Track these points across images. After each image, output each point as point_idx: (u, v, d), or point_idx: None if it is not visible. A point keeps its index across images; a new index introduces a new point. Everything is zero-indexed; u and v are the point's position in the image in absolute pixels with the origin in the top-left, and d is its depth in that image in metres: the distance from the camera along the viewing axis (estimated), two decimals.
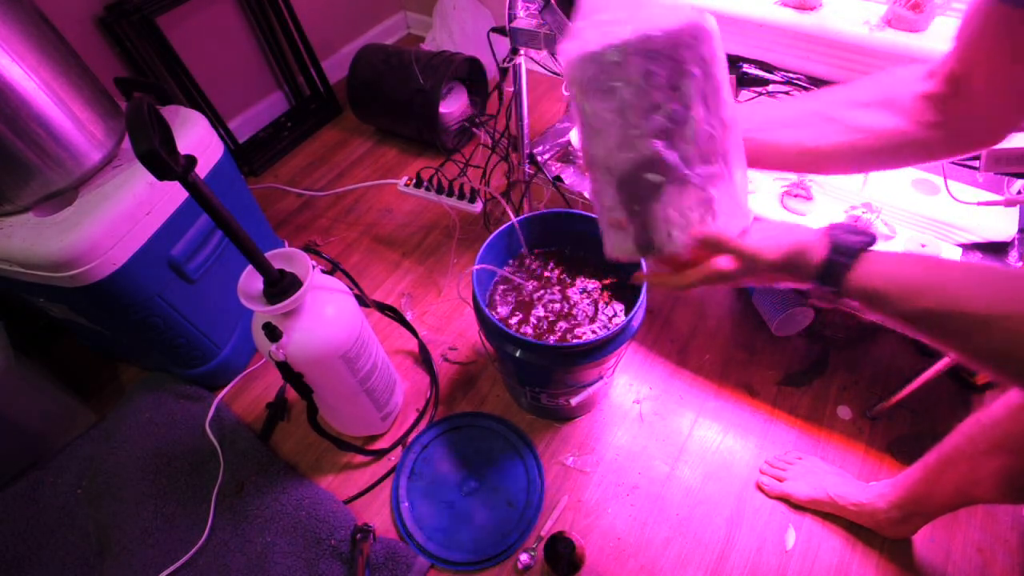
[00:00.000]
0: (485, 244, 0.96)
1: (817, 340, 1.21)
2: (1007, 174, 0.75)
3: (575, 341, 0.93)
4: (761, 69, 0.85)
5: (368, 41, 1.97)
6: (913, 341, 1.16)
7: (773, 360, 1.19)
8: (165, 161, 0.57)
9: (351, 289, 0.94)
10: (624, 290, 1.00)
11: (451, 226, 1.51)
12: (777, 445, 1.08)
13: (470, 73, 1.72)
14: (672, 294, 1.24)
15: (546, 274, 1.04)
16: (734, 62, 0.86)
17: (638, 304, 0.86)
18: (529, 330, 0.96)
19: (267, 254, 0.76)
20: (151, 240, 0.98)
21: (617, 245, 0.53)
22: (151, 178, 0.92)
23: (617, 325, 0.86)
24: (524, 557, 0.97)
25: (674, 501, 1.03)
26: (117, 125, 0.99)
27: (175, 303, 1.06)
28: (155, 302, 1.02)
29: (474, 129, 1.71)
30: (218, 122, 1.63)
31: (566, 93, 0.52)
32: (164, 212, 0.99)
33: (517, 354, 0.87)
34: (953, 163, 0.78)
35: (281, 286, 0.76)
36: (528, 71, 1.11)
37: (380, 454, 1.12)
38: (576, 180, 1.20)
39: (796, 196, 1.03)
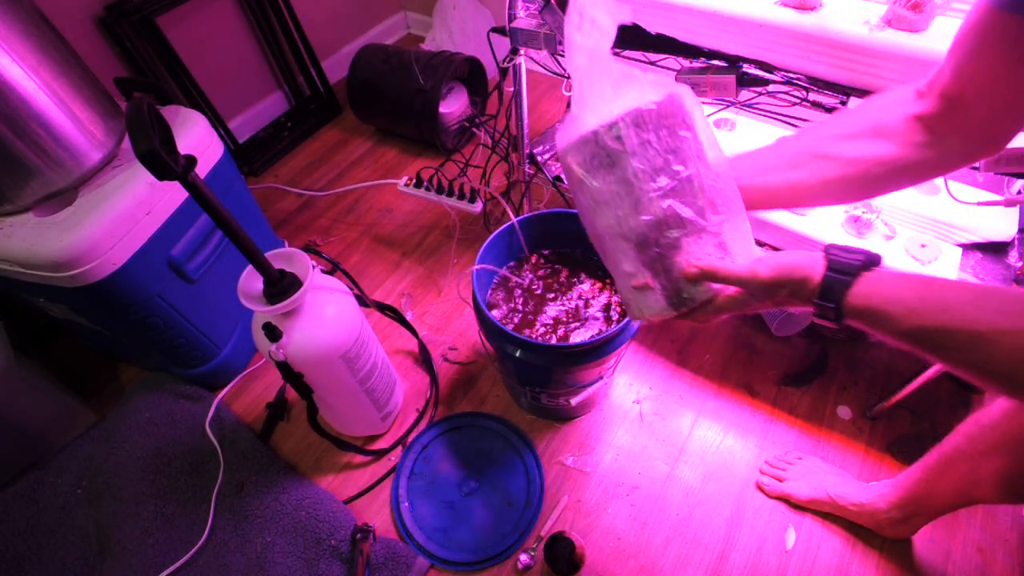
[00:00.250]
0: (485, 244, 0.96)
1: (817, 340, 1.21)
2: (1007, 174, 0.75)
3: (575, 341, 0.93)
4: (761, 69, 0.85)
5: (368, 41, 1.97)
6: None
7: (773, 360, 1.19)
8: (165, 161, 0.57)
9: (351, 289, 0.94)
10: None
11: (451, 226, 1.51)
12: (777, 445, 1.08)
13: (470, 73, 1.72)
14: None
15: (546, 274, 1.04)
16: (734, 62, 0.86)
17: None
18: (529, 330, 0.96)
19: (267, 254, 0.76)
20: (151, 240, 0.98)
21: (647, 307, 0.54)
22: (151, 178, 0.92)
23: (617, 325, 0.86)
24: (524, 557, 0.97)
25: (674, 501, 1.03)
26: (117, 125, 0.99)
27: (175, 303, 1.06)
28: (155, 302, 1.02)
29: (474, 129, 1.71)
30: (218, 122, 1.63)
31: (565, 180, 0.55)
32: (164, 212, 0.99)
33: (517, 354, 0.87)
34: None
35: (281, 286, 0.76)
36: (528, 71, 1.11)
37: (380, 454, 1.12)
38: None
39: None
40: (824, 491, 0.96)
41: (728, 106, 0.96)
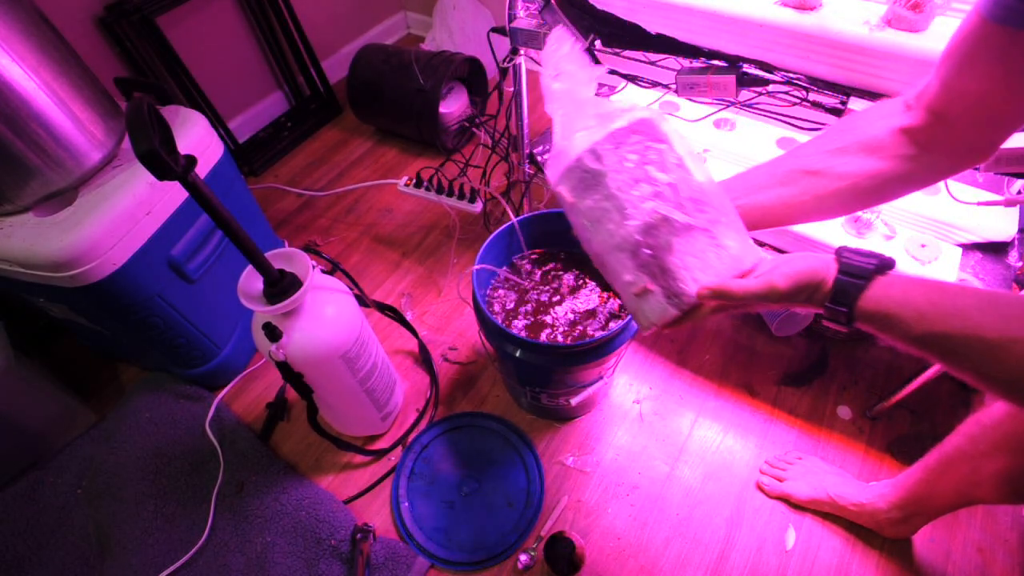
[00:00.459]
0: (485, 244, 0.96)
1: (817, 340, 1.21)
2: (1007, 174, 0.75)
3: (575, 341, 0.93)
4: (761, 69, 0.85)
5: (368, 41, 1.97)
6: None
7: (773, 360, 1.19)
8: (165, 161, 0.57)
9: (351, 289, 0.94)
10: None
11: (451, 226, 1.51)
12: (777, 445, 1.08)
13: (470, 73, 1.72)
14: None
15: (546, 274, 1.04)
16: (734, 62, 0.86)
17: None
18: (529, 330, 0.96)
19: (267, 254, 0.76)
20: (151, 240, 0.98)
21: (651, 311, 0.55)
22: (151, 178, 0.92)
23: (617, 325, 0.86)
24: (524, 557, 0.97)
25: (674, 501, 1.03)
26: (117, 125, 0.99)
27: (175, 303, 1.06)
28: (155, 302, 1.02)
29: (474, 129, 1.71)
30: (218, 122, 1.63)
31: (564, 212, 0.60)
32: (164, 212, 0.99)
33: (517, 354, 0.87)
34: None
35: (281, 286, 0.76)
36: (528, 71, 1.11)
37: (380, 454, 1.12)
38: None
39: None
40: (824, 491, 0.96)
41: (728, 106, 0.96)
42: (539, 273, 1.04)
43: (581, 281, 1.02)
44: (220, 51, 1.65)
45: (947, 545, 0.95)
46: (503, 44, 1.06)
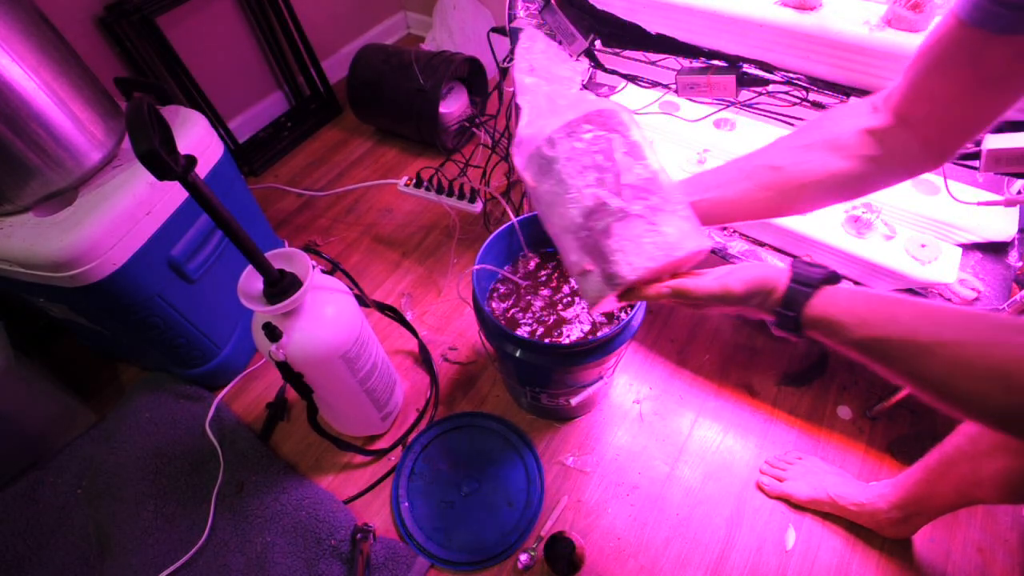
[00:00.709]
0: (485, 244, 0.96)
1: (811, 342, 1.21)
2: (1007, 174, 0.75)
3: (575, 341, 0.93)
4: (761, 69, 0.85)
5: (368, 41, 1.97)
6: None
7: (773, 360, 1.20)
8: (165, 161, 0.57)
9: (351, 289, 0.94)
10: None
11: (451, 226, 1.51)
12: (777, 445, 1.08)
13: (470, 73, 1.72)
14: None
15: (546, 274, 1.04)
16: (734, 62, 0.86)
17: (638, 304, 0.86)
18: (529, 330, 0.96)
19: (267, 254, 0.76)
20: (151, 240, 0.98)
21: (592, 290, 0.58)
22: (151, 178, 0.92)
23: (617, 325, 0.86)
24: (524, 557, 0.97)
25: (674, 501, 1.03)
26: (117, 125, 0.99)
27: (175, 303, 1.06)
28: (155, 302, 1.02)
29: (474, 129, 1.71)
30: (218, 122, 1.63)
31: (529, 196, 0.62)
32: (164, 212, 0.99)
33: (517, 354, 0.87)
34: (953, 163, 0.78)
35: (281, 286, 0.76)
36: None
37: (380, 454, 1.12)
38: None
39: None
40: (824, 491, 0.96)
41: (728, 106, 0.96)
42: (539, 273, 1.04)
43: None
44: (220, 51, 1.65)
45: (947, 545, 0.95)
46: (503, 44, 1.06)
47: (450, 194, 1.33)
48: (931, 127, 0.50)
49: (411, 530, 1.01)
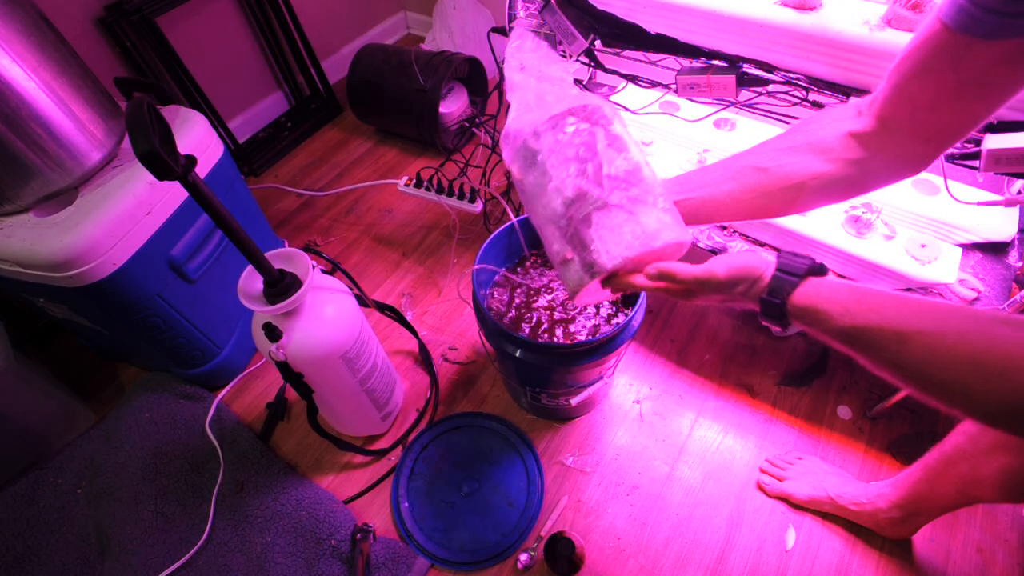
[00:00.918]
0: (485, 244, 0.96)
1: (817, 340, 1.21)
2: (1007, 174, 0.75)
3: (575, 341, 0.93)
4: (761, 69, 0.85)
5: (368, 41, 1.97)
6: None
7: (773, 360, 1.20)
8: (165, 161, 0.57)
9: (351, 289, 0.94)
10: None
11: (451, 226, 1.51)
12: (777, 445, 1.08)
13: (470, 73, 1.72)
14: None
15: (546, 274, 1.04)
16: (734, 62, 0.86)
17: (638, 304, 0.87)
18: (529, 330, 0.96)
19: (267, 254, 0.76)
20: (151, 240, 0.98)
21: (571, 278, 0.59)
22: (151, 178, 0.93)
23: (617, 325, 0.86)
24: (524, 557, 0.97)
25: (674, 501, 1.03)
26: (117, 125, 0.99)
27: (175, 303, 1.06)
28: (155, 302, 1.02)
29: (474, 129, 1.71)
30: (218, 122, 1.63)
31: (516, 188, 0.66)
32: (164, 212, 0.99)
33: (517, 354, 0.87)
34: (953, 163, 0.78)
35: (281, 286, 0.76)
36: None
37: (380, 454, 1.12)
38: None
39: None
40: (824, 491, 0.96)
41: (728, 106, 0.96)
42: (539, 273, 1.04)
43: None
44: (220, 51, 1.65)
45: (947, 545, 0.95)
46: (503, 44, 1.06)
47: (450, 194, 1.33)
48: (913, 131, 0.51)
49: (411, 530, 1.01)
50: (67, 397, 1.19)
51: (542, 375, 0.94)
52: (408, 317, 1.30)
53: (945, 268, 0.90)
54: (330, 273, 1.23)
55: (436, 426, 1.14)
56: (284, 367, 0.81)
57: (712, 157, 1.13)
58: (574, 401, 0.98)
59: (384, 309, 1.19)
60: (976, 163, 0.72)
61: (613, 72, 1.04)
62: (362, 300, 0.98)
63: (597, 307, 0.99)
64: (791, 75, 0.83)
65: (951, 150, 0.71)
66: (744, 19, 0.82)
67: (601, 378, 0.99)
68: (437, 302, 1.37)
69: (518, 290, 1.02)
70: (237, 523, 1.04)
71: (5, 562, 1.03)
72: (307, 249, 0.90)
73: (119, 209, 0.92)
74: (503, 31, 1.04)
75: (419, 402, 1.19)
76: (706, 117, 1.09)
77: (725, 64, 0.87)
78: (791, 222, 1.00)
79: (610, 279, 0.58)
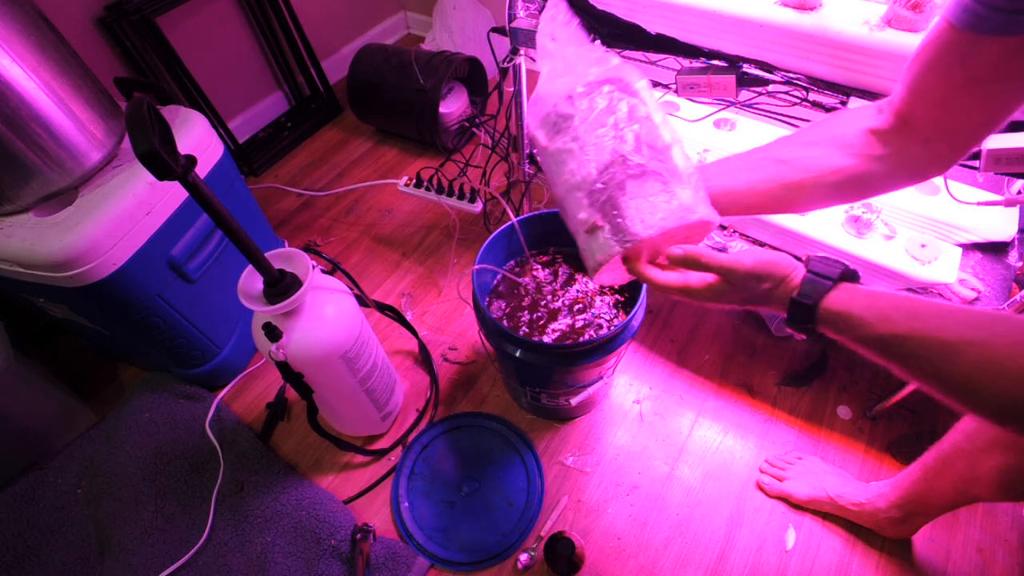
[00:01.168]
0: (485, 244, 0.96)
1: (817, 340, 1.21)
2: (1007, 174, 0.75)
3: (575, 341, 0.93)
4: (761, 69, 0.84)
5: (368, 41, 1.97)
6: None
7: (773, 360, 1.20)
8: (165, 161, 0.57)
9: (351, 289, 0.94)
10: (624, 290, 1.00)
11: (451, 226, 1.51)
12: (777, 445, 1.08)
13: (470, 73, 1.72)
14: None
15: (546, 273, 1.04)
16: (734, 62, 0.86)
17: (638, 304, 0.87)
18: (529, 330, 0.96)
19: (267, 254, 0.76)
20: (151, 240, 0.98)
21: (597, 247, 0.57)
22: (151, 178, 0.93)
23: (617, 325, 0.86)
24: (524, 557, 0.97)
25: (674, 501, 1.03)
26: (117, 125, 0.99)
27: (175, 303, 1.06)
28: (155, 302, 1.02)
29: (474, 129, 1.71)
30: (218, 122, 1.63)
31: (537, 156, 0.64)
32: (164, 212, 0.99)
33: (517, 354, 0.87)
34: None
35: (281, 286, 0.76)
36: (528, 71, 1.11)
37: (380, 454, 1.12)
38: None
39: None
40: (824, 491, 0.96)
41: (728, 106, 0.96)
42: (539, 273, 1.04)
43: (581, 281, 1.02)
44: (220, 51, 1.65)
45: (947, 545, 0.95)
46: (503, 44, 1.06)
47: (450, 194, 1.33)
48: (930, 129, 0.50)
49: (411, 530, 1.01)
50: (67, 397, 1.19)
51: (542, 375, 0.94)
52: (408, 317, 1.30)
53: (945, 268, 0.90)
54: (330, 273, 1.23)
55: (436, 426, 1.14)
56: (284, 367, 0.81)
57: (712, 157, 1.13)
58: (574, 401, 0.98)
59: (384, 309, 1.19)
60: (976, 163, 0.72)
61: None
62: (362, 300, 0.98)
63: (595, 308, 0.98)
64: (791, 75, 0.83)
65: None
66: (744, 19, 0.82)
67: (601, 378, 0.99)
68: (437, 302, 1.37)
69: (518, 290, 1.01)
70: (237, 523, 1.04)
71: (5, 562, 1.03)
72: (307, 249, 0.90)
73: (119, 209, 0.92)
74: (503, 31, 1.04)
75: (419, 402, 1.19)
76: (706, 117, 1.09)
77: (725, 64, 0.87)
78: (791, 222, 1.00)
79: (630, 261, 0.57)
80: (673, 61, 0.92)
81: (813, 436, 1.09)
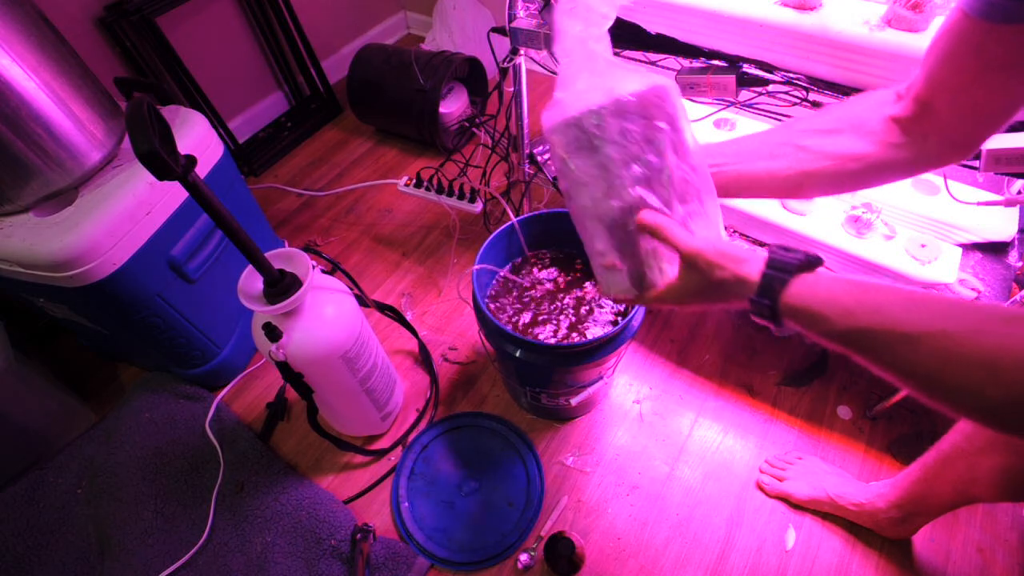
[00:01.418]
0: (485, 244, 0.96)
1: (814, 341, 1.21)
2: (1007, 174, 0.75)
3: (575, 341, 0.93)
4: (761, 69, 0.85)
5: (368, 41, 1.97)
6: None
7: (773, 360, 1.19)
8: (165, 161, 0.57)
9: (351, 289, 0.94)
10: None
11: (451, 226, 1.51)
12: (777, 445, 1.08)
13: (470, 73, 1.72)
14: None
15: (546, 274, 1.04)
16: (734, 62, 0.86)
17: (637, 305, 0.86)
18: (529, 330, 0.96)
19: (267, 254, 0.76)
20: (151, 240, 0.98)
21: (614, 285, 0.57)
22: (151, 178, 0.93)
23: (617, 325, 0.86)
24: (524, 557, 0.97)
25: (674, 501, 1.03)
26: (117, 125, 0.99)
27: (175, 303, 1.06)
28: (155, 302, 1.02)
29: (474, 129, 1.71)
30: (218, 122, 1.63)
31: (551, 156, 0.57)
32: (164, 212, 0.99)
33: (517, 354, 0.87)
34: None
35: (281, 286, 0.76)
36: (528, 71, 1.11)
37: (380, 454, 1.12)
38: None
39: None
40: (824, 491, 0.96)
41: (728, 106, 0.96)
42: (539, 273, 1.04)
43: (581, 281, 1.02)
44: (220, 51, 1.65)
45: (947, 545, 0.95)
46: (503, 44, 1.06)
47: (450, 194, 1.33)
48: (950, 116, 0.50)
49: (411, 530, 1.01)
50: (67, 397, 1.19)
51: (542, 375, 0.94)
52: (408, 317, 1.30)
53: (945, 268, 0.90)
54: (330, 273, 1.23)
55: (436, 426, 1.14)
56: (284, 367, 0.81)
57: None
58: (574, 401, 0.98)
59: (384, 309, 1.19)
60: (976, 163, 0.72)
61: None
62: (362, 300, 0.98)
63: (595, 308, 0.98)
64: (791, 75, 0.83)
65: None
66: (744, 19, 0.82)
67: (601, 378, 0.99)
68: (437, 302, 1.37)
69: (518, 290, 1.01)
70: (237, 523, 1.04)
71: (5, 562, 1.03)
72: (307, 249, 0.90)
73: (119, 209, 0.92)
74: (503, 31, 1.04)
75: (419, 402, 1.19)
76: (706, 117, 1.09)
77: (725, 64, 0.87)
78: (791, 222, 1.00)
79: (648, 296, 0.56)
80: (673, 61, 0.92)
81: (813, 436, 1.09)
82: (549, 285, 1.02)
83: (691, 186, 0.53)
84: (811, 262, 0.46)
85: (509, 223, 0.98)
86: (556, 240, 1.05)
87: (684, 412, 1.14)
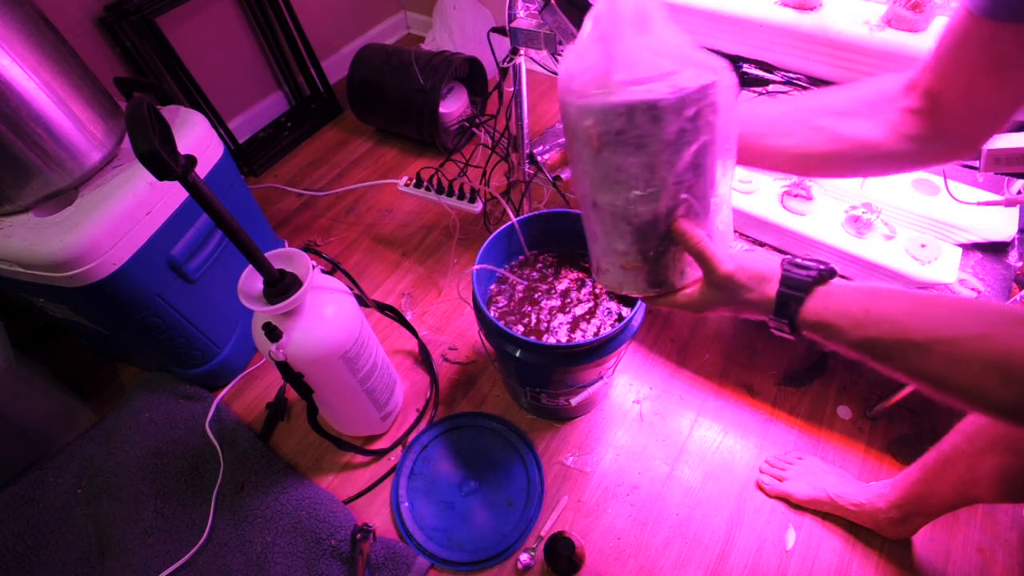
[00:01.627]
0: (485, 244, 0.96)
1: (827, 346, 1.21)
2: (1007, 174, 0.75)
3: (575, 341, 0.93)
4: (761, 69, 0.85)
5: (368, 41, 1.97)
6: None
7: (773, 360, 1.19)
8: (165, 161, 0.57)
9: (351, 289, 0.94)
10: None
11: (451, 226, 1.51)
12: (777, 445, 1.08)
13: (470, 73, 1.72)
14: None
15: (546, 274, 1.04)
16: (734, 62, 0.86)
17: (638, 304, 0.87)
18: (529, 330, 0.96)
19: (267, 254, 0.76)
20: (151, 240, 0.98)
21: (628, 284, 0.55)
22: (151, 178, 0.93)
23: (617, 325, 0.86)
24: (524, 557, 0.97)
25: (674, 501, 1.03)
26: (117, 125, 0.99)
27: (175, 303, 1.06)
28: (155, 302, 1.02)
29: (474, 129, 1.71)
30: (218, 122, 1.63)
31: (564, 126, 0.51)
32: (164, 212, 0.99)
33: (517, 354, 0.87)
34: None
35: (281, 286, 0.76)
36: (528, 71, 1.11)
37: (380, 454, 1.12)
38: None
39: (796, 196, 1.03)
40: (824, 491, 0.96)
41: None
42: (539, 273, 1.04)
43: (581, 281, 1.02)
44: (220, 51, 1.65)
45: (947, 545, 0.95)
46: (503, 44, 1.06)
47: (450, 194, 1.33)
48: (959, 110, 0.50)
49: (411, 530, 1.01)
50: (67, 397, 1.19)
51: (542, 375, 0.94)
52: (408, 317, 1.30)
53: (945, 268, 0.90)
54: (330, 273, 1.23)
55: (436, 426, 1.14)
56: (284, 367, 0.81)
57: None
58: (574, 401, 0.98)
59: (384, 309, 1.19)
60: (976, 163, 0.72)
61: None
62: (362, 300, 0.98)
63: (595, 308, 0.98)
64: (791, 75, 0.83)
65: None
66: (744, 19, 0.82)
67: (601, 378, 0.99)
68: (437, 302, 1.37)
69: (518, 290, 1.01)
70: (237, 523, 1.04)
71: (5, 562, 1.03)
72: (307, 249, 0.90)
73: (119, 209, 0.92)
74: (503, 31, 1.03)
75: (419, 402, 1.19)
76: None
77: None
78: (791, 222, 1.00)
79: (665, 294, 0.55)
80: None
81: (813, 436, 1.09)
82: (549, 285, 1.02)
83: (725, 186, 0.51)
84: (823, 276, 0.47)
85: (509, 223, 0.98)
86: (556, 240, 1.05)
87: (684, 412, 1.14)
